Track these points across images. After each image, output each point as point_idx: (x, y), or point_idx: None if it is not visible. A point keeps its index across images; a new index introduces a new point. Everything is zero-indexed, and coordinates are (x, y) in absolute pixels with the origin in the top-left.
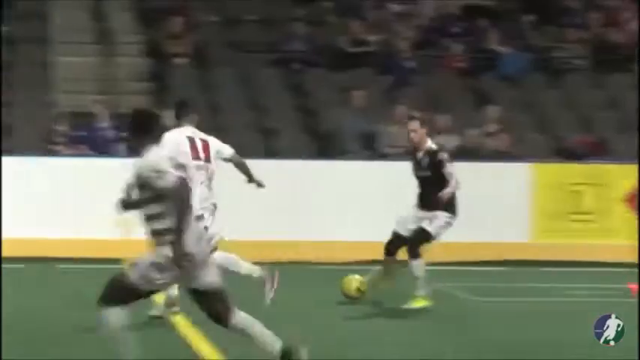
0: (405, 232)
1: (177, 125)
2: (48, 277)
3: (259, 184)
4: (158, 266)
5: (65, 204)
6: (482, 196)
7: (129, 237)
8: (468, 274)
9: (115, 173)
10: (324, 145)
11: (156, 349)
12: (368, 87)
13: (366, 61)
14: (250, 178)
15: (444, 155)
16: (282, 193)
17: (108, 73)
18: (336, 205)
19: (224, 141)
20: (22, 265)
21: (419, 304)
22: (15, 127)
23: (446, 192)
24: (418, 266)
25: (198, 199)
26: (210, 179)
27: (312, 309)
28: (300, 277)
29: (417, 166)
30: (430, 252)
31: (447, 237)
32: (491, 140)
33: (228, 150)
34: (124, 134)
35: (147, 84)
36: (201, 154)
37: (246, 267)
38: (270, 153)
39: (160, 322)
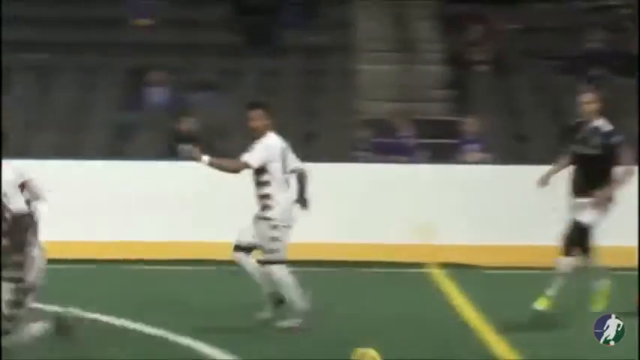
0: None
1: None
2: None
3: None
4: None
5: (367, 208)
6: None
7: (428, 242)
8: None
9: (413, 179)
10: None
11: (453, 347)
12: None
13: None
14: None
15: (621, 138)
16: None
17: (409, 81)
18: None
19: (524, 147)
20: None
21: (541, 304)
22: (320, 135)
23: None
24: (566, 264)
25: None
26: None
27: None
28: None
29: (582, 143)
30: None
31: None
32: None
33: None
34: (424, 141)
35: (447, 91)
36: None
37: (295, 295)
38: None
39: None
